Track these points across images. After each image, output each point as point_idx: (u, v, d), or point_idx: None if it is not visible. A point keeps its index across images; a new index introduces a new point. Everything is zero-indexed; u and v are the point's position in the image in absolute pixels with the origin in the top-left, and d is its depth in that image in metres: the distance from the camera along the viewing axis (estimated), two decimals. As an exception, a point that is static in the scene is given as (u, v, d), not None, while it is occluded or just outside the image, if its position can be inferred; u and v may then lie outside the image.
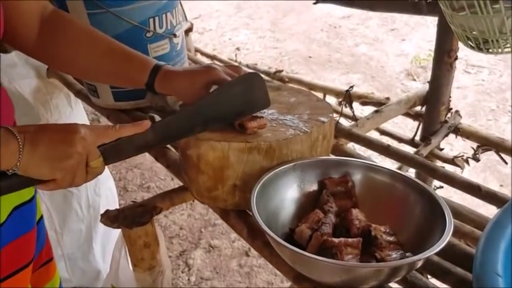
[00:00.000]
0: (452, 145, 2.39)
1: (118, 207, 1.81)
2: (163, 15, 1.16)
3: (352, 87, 1.11)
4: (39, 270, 0.85)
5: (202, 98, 0.78)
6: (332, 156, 0.91)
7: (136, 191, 2.53)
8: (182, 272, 2.02)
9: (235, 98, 0.80)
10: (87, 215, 1.68)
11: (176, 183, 2.58)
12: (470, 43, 1.00)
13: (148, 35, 1.14)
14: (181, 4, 1.27)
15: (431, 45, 1.41)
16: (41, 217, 0.87)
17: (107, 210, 0.96)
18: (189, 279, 1.98)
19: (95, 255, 1.76)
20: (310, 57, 4.33)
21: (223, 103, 0.79)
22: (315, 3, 1.63)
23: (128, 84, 0.91)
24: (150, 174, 2.65)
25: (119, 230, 1.00)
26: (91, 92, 1.26)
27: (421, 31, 4.44)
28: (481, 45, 0.97)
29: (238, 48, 4.57)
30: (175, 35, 1.20)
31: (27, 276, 0.80)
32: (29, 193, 0.81)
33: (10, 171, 0.61)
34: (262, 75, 2.09)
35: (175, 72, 0.83)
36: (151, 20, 1.13)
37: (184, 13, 1.33)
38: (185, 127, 0.77)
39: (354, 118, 1.28)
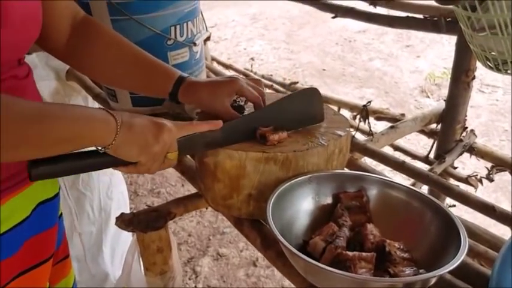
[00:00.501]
0: (464, 163, 2.38)
1: (129, 211, 1.83)
2: (185, 24, 1.18)
3: (369, 102, 1.12)
4: (55, 266, 0.87)
5: (266, 106, 0.84)
6: (347, 170, 0.92)
7: (147, 195, 2.54)
8: (189, 279, 2.02)
9: (296, 108, 0.85)
10: (99, 218, 1.69)
11: (186, 189, 2.60)
12: (489, 63, 1.00)
13: (169, 42, 1.16)
14: (202, 13, 1.29)
15: (446, 63, 1.42)
16: (61, 214, 0.89)
17: (122, 214, 0.97)
18: (195, 286, 1.99)
19: (104, 258, 1.77)
20: (324, 70, 4.35)
21: (285, 112, 0.84)
22: (333, 17, 1.64)
23: (151, 93, 0.94)
24: (161, 180, 2.67)
25: (129, 234, 1.01)
26: (110, 97, 1.28)
27: (436, 48, 4.43)
28: (500, 66, 0.98)
29: (252, 58, 4.61)
30: (195, 44, 1.22)
31: (47, 270, 0.82)
32: (53, 190, 0.84)
33: (102, 149, 0.65)
34: (278, 86, 2.10)
35: (199, 83, 0.87)
36: (172, 28, 1.15)
37: (205, 22, 1.35)
38: (249, 131, 0.81)
39: (370, 133, 1.29)
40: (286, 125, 0.83)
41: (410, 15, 1.41)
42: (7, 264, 0.72)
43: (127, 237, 1.78)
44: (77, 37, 0.83)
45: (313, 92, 0.87)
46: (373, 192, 0.80)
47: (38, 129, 0.57)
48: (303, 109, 0.86)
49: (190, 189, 2.59)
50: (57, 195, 0.85)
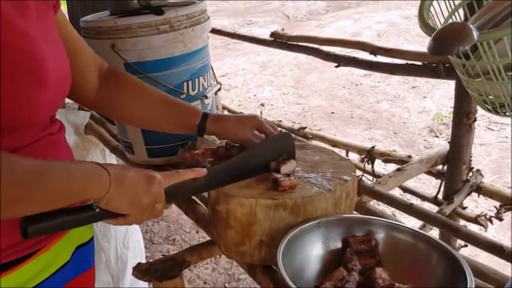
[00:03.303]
0: (477, 202, 2.37)
1: (144, 259, 1.85)
2: (196, 79, 1.25)
3: (373, 147, 1.16)
4: None
5: (244, 153, 0.90)
6: (356, 214, 0.94)
7: (162, 243, 2.56)
8: (205, 328, 2.00)
9: (271, 152, 0.91)
10: (115, 267, 1.71)
11: (201, 236, 2.61)
12: (487, 106, 1.03)
13: (182, 96, 1.23)
14: (212, 69, 1.37)
15: (453, 103, 1.45)
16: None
17: (139, 263, 1.00)
18: (212, 335, 1.96)
19: (120, 308, 1.77)
20: (332, 113, 4.41)
21: (262, 156, 0.91)
22: (336, 67, 1.71)
23: (180, 129, 1.01)
24: (176, 227, 2.69)
25: (145, 282, 1.03)
26: (126, 149, 1.34)
27: (442, 89, 4.49)
28: (498, 108, 1.01)
29: (262, 104, 4.71)
30: (206, 97, 1.29)
31: None
32: (88, 234, 0.89)
33: (94, 204, 0.67)
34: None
35: (226, 116, 1.00)
36: (185, 84, 1.22)
37: (215, 76, 1.42)
38: (230, 176, 0.87)
39: (375, 176, 1.32)
40: (262, 169, 0.90)
41: (410, 62, 1.47)
42: None
43: (143, 286, 1.78)
44: (106, 86, 0.91)
45: (285, 135, 0.96)
46: (380, 235, 0.82)
47: (37, 186, 0.60)
48: (277, 152, 0.92)
49: (204, 235, 2.61)
50: (92, 239, 0.91)
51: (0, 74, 0.61)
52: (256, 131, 0.96)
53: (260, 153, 0.91)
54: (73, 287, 0.83)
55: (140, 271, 0.99)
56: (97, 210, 0.68)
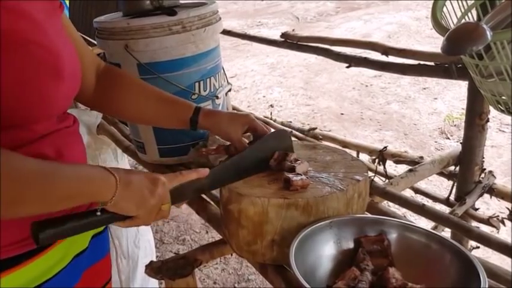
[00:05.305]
0: (489, 204, 2.35)
1: (155, 259, 1.86)
2: (208, 80, 1.26)
3: (386, 147, 1.15)
4: None
5: (243, 151, 0.92)
6: (368, 215, 0.94)
7: (172, 243, 2.57)
8: (215, 328, 2.00)
9: (269, 150, 0.94)
10: (126, 267, 1.73)
11: (210, 235, 2.62)
12: (500, 106, 1.03)
13: (193, 97, 1.23)
14: (223, 69, 1.37)
15: (464, 104, 1.44)
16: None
17: (151, 262, 1.01)
18: (222, 335, 1.96)
19: (131, 307, 1.78)
20: (342, 114, 4.40)
21: (260, 154, 0.93)
22: (347, 67, 1.71)
23: (174, 124, 1.02)
24: (186, 227, 2.70)
25: (155, 282, 1.04)
26: (139, 149, 1.35)
27: (453, 90, 4.46)
28: (511, 109, 1.01)
29: (271, 105, 4.70)
30: (217, 97, 1.30)
31: None
32: None
33: (100, 207, 0.69)
34: (297, 132, 2.15)
35: (218, 111, 1.01)
36: (196, 84, 1.23)
37: (226, 76, 1.43)
38: (231, 174, 0.89)
39: (387, 177, 1.31)
40: (263, 166, 0.92)
41: (422, 62, 1.47)
42: None
43: (153, 285, 1.80)
44: (103, 84, 0.94)
45: (283, 132, 0.99)
46: (393, 235, 0.82)
47: (39, 188, 0.61)
48: (275, 149, 0.94)
49: (214, 235, 2.62)
50: (106, 228, 0.93)
51: (25, 67, 0.64)
52: (248, 130, 0.97)
53: (259, 150, 0.93)
54: (91, 274, 0.85)
55: (153, 269, 0.99)
56: (99, 213, 0.69)
